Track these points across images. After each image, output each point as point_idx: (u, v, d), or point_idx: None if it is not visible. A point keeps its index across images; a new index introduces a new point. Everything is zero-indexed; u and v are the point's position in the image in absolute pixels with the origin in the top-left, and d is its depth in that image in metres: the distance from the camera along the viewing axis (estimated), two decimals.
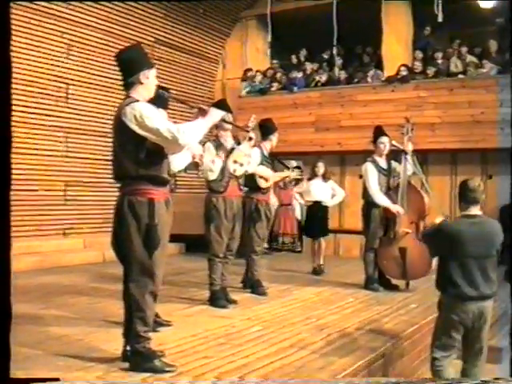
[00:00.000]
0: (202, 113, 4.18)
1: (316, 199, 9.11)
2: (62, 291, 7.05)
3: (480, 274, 4.38)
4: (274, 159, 7.77)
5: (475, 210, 4.47)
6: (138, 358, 4.12)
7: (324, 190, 9.10)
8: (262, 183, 7.13)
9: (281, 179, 8.49)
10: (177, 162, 5.02)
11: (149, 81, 4.15)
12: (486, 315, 4.46)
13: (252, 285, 7.19)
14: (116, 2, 11.16)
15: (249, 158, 6.51)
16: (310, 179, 9.13)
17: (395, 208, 7.29)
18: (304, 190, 9.26)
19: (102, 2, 10.90)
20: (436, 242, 4.60)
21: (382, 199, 7.35)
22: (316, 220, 9.12)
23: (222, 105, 6.31)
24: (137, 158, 3.99)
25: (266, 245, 7.52)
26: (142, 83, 4.12)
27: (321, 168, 9.04)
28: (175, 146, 4.02)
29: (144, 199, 4.03)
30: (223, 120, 4.65)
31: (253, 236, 7.12)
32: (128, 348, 4.22)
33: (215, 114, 4.21)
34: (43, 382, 3.62)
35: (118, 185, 4.19)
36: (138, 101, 4.03)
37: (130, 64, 4.13)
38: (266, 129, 7.33)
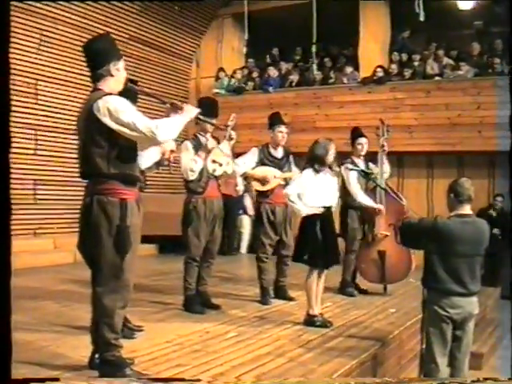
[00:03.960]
0: (175, 109, 3.97)
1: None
2: (29, 294, 6.76)
3: (468, 272, 4.36)
4: (286, 158, 6.99)
5: (467, 209, 4.42)
6: (107, 367, 3.87)
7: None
8: (257, 186, 6.83)
9: (285, 180, 7.02)
10: (145, 158, 4.74)
11: (119, 73, 3.91)
12: (473, 309, 4.45)
13: (276, 292, 6.97)
14: None
15: (228, 158, 6.25)
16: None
17: (378, 206, 7.11)
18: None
19: None
20: (424, 237, 4.46)
21: (364, 199, 7.14)
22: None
23: (207, 105, 5.99)
24: (108, 154, 3.75)
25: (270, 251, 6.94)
26: (112, 75, 3.88)
27: None
28: (153, 143, 3.83)
29: (115, 199, 3.79)
30: (198, 118, 4.38)
31: (257, 242, 6.90)
32: (96, 356, 3.98)
33: (191, 111, 4.00)
34: (42, 382, 3.57)
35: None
36: (109, 94, 3.79)
37: (100, 55, 3.87)
38: (270, 122, 6.93)
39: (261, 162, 6.82)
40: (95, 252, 3.84)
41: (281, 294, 6.95)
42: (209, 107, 5.79)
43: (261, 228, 6.81)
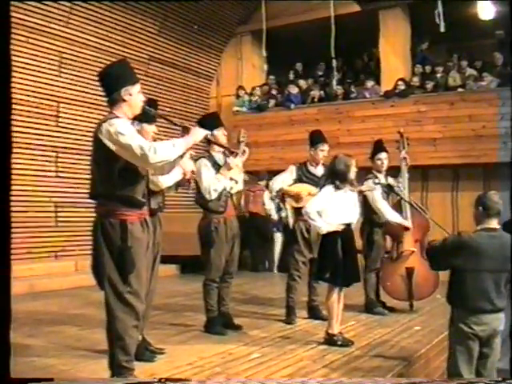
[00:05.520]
0: (187, 131, 4.01)
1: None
2: (50, 318, 6.78)
3: (494, 288, 4.28)
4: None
5: (495, 224, 4.34)
6: None
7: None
8: (291, 203, 6.79)
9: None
10: (166, 177, 4.77)
11: (132, 98, 3.95)
12: (499, 325, 4.36)
13: (310, 311, 6.93)
14: (109, 20, 11.02)
15: (242, 175, 6.27)
16: None
17: (407, 223, 7.01)
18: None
19: (97, 19, 10.77)
20: (452, 254, 4.38)
21: (394, 216, 7.01)
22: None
23: (211, 118, 6.11)
24: (110, 177, 3.82)
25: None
26: (124, 100, 3.93)
27: None
28: (145, 165, 3.85)
29: (116, 221, 3.84)
30: (207, 140, 4.40)
31: (290, 260, 6.84)
32: None
33: (197, 134, 4.01)
34: (41, 382, 3.72)
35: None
36: (117, 117, 3.87)
37: (112, 80, 3.96)
38: (312, 139, 6.87)
39: (299, 180, 6.78)
40: (101, 274, 3.89)
41: (315, 313, 6.88)
42: (211, 122, 5.86)
43: (294, 245, 6.75)
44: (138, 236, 3.90)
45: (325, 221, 5.57)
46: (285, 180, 6.79)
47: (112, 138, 3.75)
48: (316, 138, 6.85)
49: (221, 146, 5.58)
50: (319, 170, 6.84)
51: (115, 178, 3.80)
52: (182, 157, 4.01)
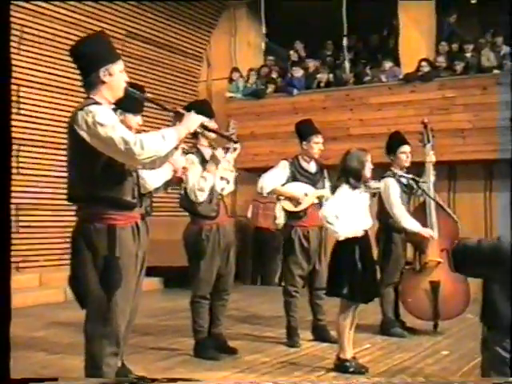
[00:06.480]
0: (180, 118, 3.96)
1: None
2: (12, 341, 6.74)
3: None
4: (320, 173, 7.01)
5: None
6: None
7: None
8: (288, 206, 6.80)
9: (319, 199, 6.91)
10: (153, 177, 4.75)
11: (113, 78, 3.86)
12: None
13: (313, 330, 6.96)
14: None
15: (233, 174, 6.29)
16: None
17: (428, 232, 7.02)
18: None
19: None
20: (484, 263, 4.38)
21: (410, 223, 7.01)
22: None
23: (201, 107, 6.00)
24: (91, 175, 3.73)
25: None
26: (104, 82, 3.84)
27: None
28: (131, 161, 3.76)
29: (103, 226, 3.77)
30: (203, 127, 4.29)
31: (286, 273, 6.89)
32: None
33: (191, 121, 3.94)
34: (41, 382, 3.76)
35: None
36: (96, 103, 3.77)
37: (88, 59, 3.86)
38: (302, 131, 6.93)
39: (292, 178, 6.81)
40: (82, 289, 3.84)
41: (321, 334, 6.90)
42: (200, 112, 5.77)
43: (291, 256, 6.78)
44: (127, 244, 3.83)
45: (343, 225, 5.58)
46: (277, 178, 6.81)
47: (90, 129, 3.65)
48: (307, 130, 6.91)
49: (221, 135, 5.19)
50: (312, 167, 6.91)
51: (97, 176, 3.73)
52: (176, 148, 3.90)
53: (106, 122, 3.66)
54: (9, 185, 3.74)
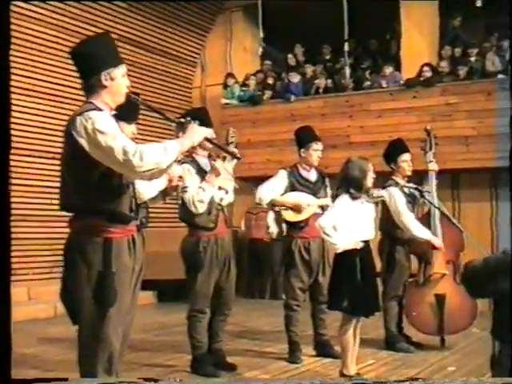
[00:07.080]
0: (183, 130, 3.88)
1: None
2: None
3: None
4: (321, 182, 7.02)
5: None
6: None
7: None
8: (288, 216, 6.78)
9: (321, 208, 6.86)
10: (146, 186, 4.68)
11: (114, 83, 3.81)
12: None
13: (316, 346, 6.94)
14: None
15: (232, 184, 6.28)
16: None
17: (437, 242, 7.02)
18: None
19: None
20: (498, 277, 4.36)
21: (421, 230, 6.99)
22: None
23: (198, 115, 5.87)
24: (88, 184, 3.65)
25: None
26: (105, 86, 3.78)
27: None
28: (129, 173, 3.67)
29: (98, 238, 3.68)
30: (208, 140, 4.15)
31: (286, 286, 6.86)
32: None
33: (196, 133, 3.85)
34: (47, 382, 3.82)
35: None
36: (96, 109, 3.70)
37: (89, 61, 3.78)
38: (301, 138, 6.94)
39: (291, 187, 6.80)
40: (74, 303, 3.77)
41: (324, 349, 6.88)
42: (201, 120, 5.72)
43: (291, 269, 6.77)
44: (123, 259, 3.75)
45: (342, 237, 5.56)
46: (275, 188, 6.81)
47: (89, 136, 3.56)
48: (307, 136, 6.92)
49: (223, 149, 5.14)
50: (312, 175, 6.90)
51: (94, 186, 3.65)
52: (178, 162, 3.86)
53: (107, 129, 3.57)
54: (8, 195, 3.66)
